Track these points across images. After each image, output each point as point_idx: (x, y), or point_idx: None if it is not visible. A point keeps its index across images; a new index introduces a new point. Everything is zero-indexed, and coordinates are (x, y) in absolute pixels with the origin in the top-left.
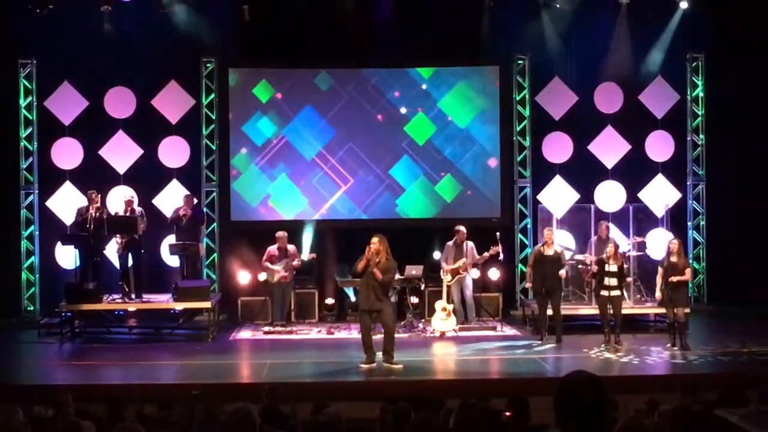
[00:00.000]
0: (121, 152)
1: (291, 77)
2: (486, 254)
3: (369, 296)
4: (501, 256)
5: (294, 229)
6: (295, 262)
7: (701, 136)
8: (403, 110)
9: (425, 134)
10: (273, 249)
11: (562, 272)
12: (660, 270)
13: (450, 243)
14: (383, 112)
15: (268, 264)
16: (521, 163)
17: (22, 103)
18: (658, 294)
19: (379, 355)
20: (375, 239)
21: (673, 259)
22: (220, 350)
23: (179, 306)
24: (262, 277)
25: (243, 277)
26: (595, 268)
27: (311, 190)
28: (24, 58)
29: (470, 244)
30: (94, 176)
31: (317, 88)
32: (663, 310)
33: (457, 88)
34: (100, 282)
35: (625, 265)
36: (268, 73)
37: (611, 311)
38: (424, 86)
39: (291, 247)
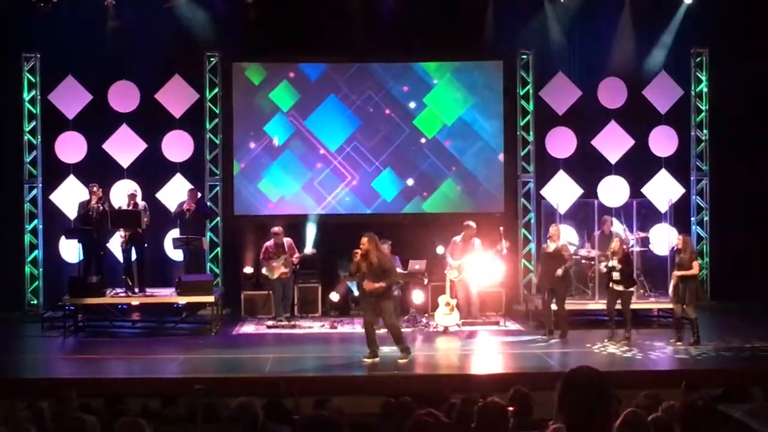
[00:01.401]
0: (124, 146)
1: (296, 72)
2: (491, 251)
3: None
4: (505, 252)
5: (298, 224)
6: (294, 258)
7: (705, 131)
8: (411, 105)
9: (434, 128)
10: (269, 244)
11: (559, 271)
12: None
13: (457, 238)
14: (389, 106)
15: (265, 260)
16: (525, 158)
17: (26, 96)
18: (671, 290)
19: (384, 349)
20: (364, 239)
21: (680, 254)
22: (223, 344)
23: (182, 300)
24: (265, 271)
25: (246, 272)
26: (605, 265)
27: (316, 185)
28: (28, 52)
29: (477, 240)
30: (98, 170)
31: (321, 82)
32: (666, 305)
33: (461, 83)
34: (103, 276)
35: (629, 256)
36: (275, 68)
37: (619, 306)
38: (427, 81)
39: (287, 241)
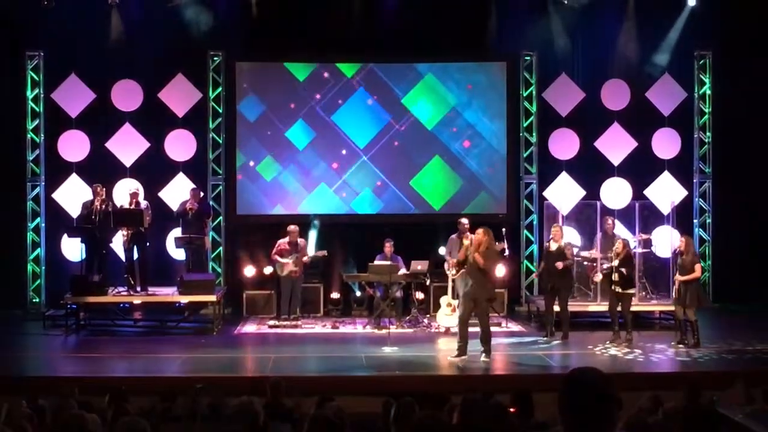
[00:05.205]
0: (127, 145)
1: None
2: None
3: (468, 284)
4: (506, 252)
5: (299, 223)
6: (305, 258)
7: (708, 133)
8: (413, 105)
9: (436, 129)
10: (284, 242)
11: (559, 264)
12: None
13: (454, 236)
14: (392, 107)
15: (277, 257)
16: (527, 160)
17: (29, 95)
18: (674, 293)
19: (385, 349)
20: (479, 230)
21: (682, 256)
22: (224, 344)
23: (184, 299)
24: (268, 270)
25: (248, 271)
26: (604, 267)
27: (317, 184)
28: (31, 50)
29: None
30: (101, 169)
31: (325, 81)
32: (667, 308)
33: (464, 84)
34: (105, 274)
35: (632, 259)
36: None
37: (620, 308)
38: (429, 81)
39: (302, 241)
